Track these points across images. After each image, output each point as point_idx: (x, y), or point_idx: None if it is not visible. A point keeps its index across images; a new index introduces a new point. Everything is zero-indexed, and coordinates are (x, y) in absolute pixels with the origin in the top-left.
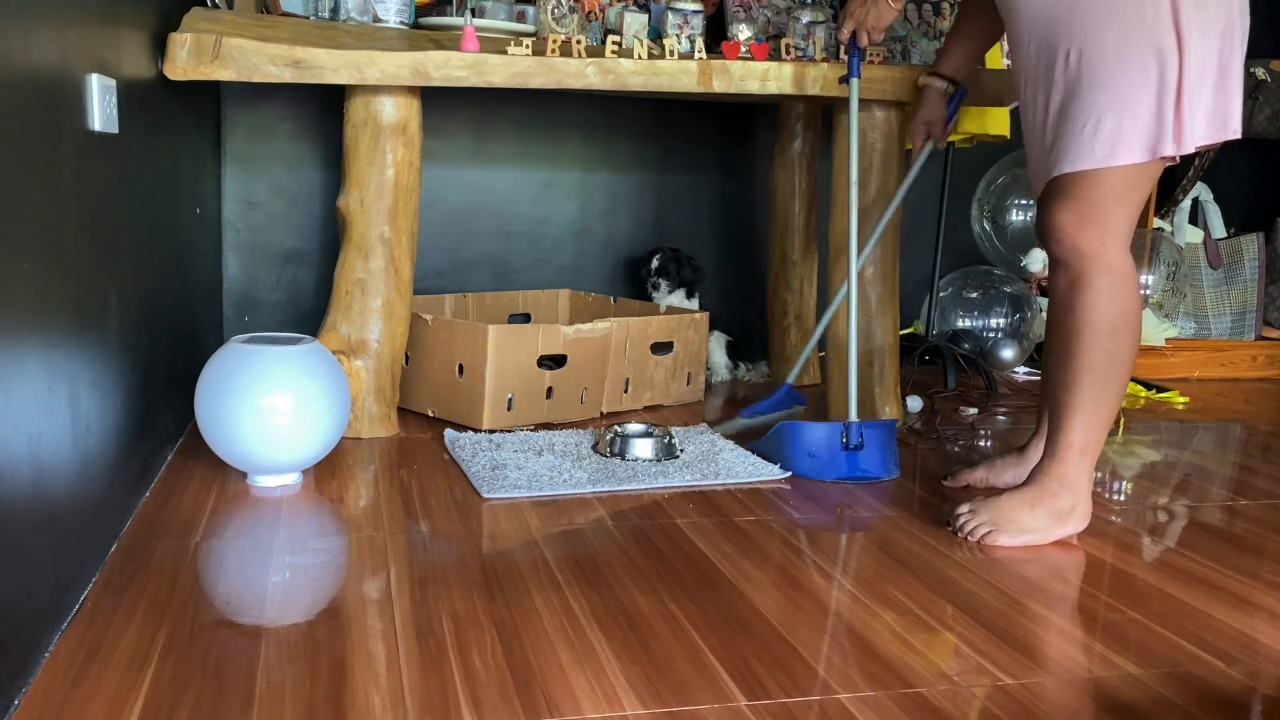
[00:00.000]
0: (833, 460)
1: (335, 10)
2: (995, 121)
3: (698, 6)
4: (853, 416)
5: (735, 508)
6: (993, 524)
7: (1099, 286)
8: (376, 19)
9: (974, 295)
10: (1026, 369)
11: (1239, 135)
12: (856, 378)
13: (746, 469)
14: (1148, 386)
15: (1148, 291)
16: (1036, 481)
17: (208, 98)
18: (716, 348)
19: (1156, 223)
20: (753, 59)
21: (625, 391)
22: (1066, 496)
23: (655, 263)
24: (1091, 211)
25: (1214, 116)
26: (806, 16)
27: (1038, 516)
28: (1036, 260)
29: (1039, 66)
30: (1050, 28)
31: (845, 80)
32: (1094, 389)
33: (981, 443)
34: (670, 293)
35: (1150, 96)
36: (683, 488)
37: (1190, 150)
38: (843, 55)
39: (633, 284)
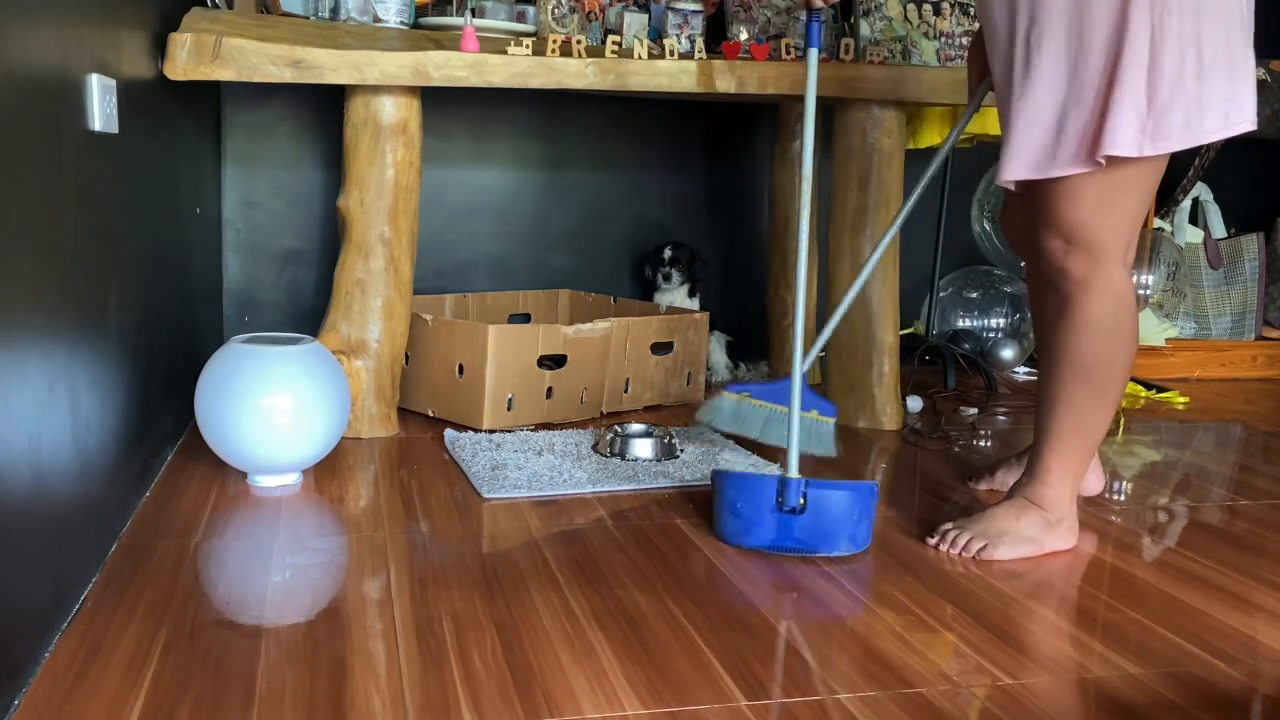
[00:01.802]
0: (758, 522)
1: (335, 10)
2: (996, 121)
3: (698, 6)
4: (792, 471)
5: None
6: (985, 537)
7: (1086, 315)
8: (376, 19)
9: (974, 295)
10: (1026, 369)
11: (1248, 128)
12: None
13: (747, 469)
14: (1148, 386)
15: (1148, 291)
16: (1017, 499)
17: (208, 98)
18: (716, 348)
19: (1156, 223)
20: (753, 59)
21: (625, 391)
22: (1052, 511)
23: (669, 252)
24: (1077, 233)
25: (1218, 105)
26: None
27: (1026, 525)
28: None
29: (1002, 49)
30: (1013, 6)
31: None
32: (1073, 419)
33: (981, 443)
34: (681, 284)
35: (1108, 91)
36: (683, 488)
37: (1177, 149)
38: (843, 55)
39: (636, 281)
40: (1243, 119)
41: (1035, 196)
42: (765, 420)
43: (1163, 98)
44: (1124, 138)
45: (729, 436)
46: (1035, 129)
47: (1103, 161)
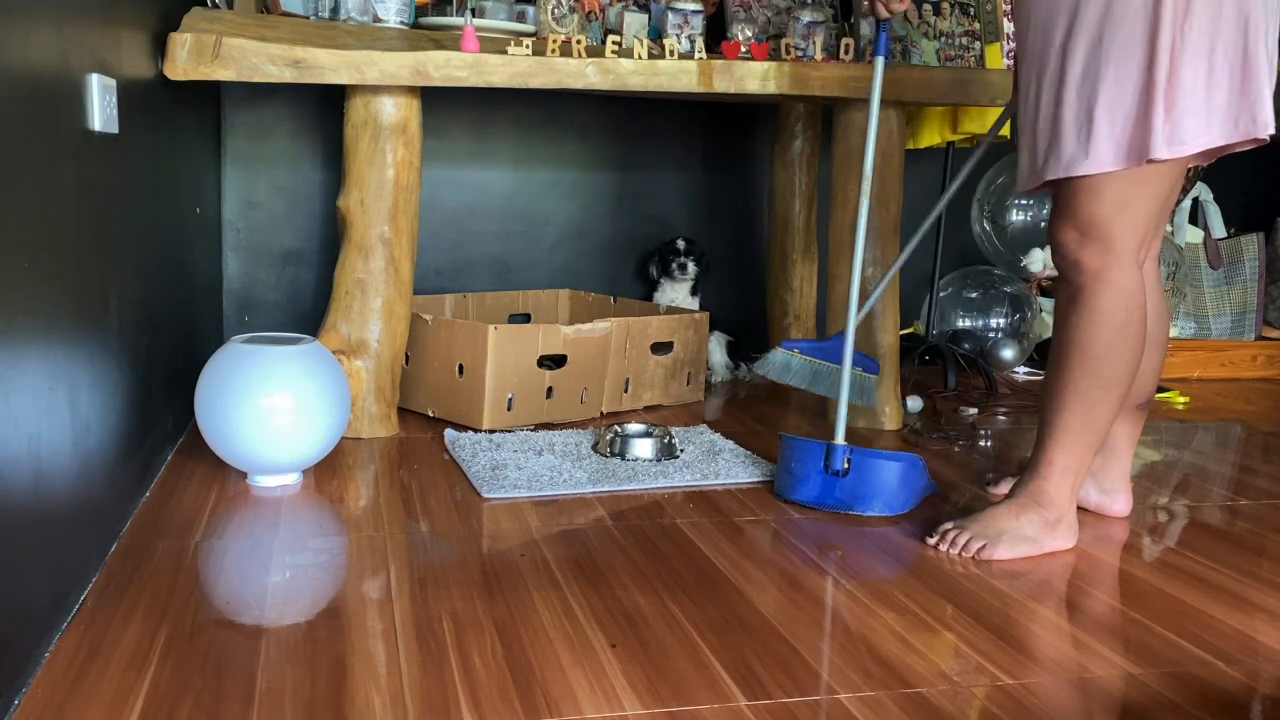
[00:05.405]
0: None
1: (335, 10)
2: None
3: (698, 6)
4: (839, 439)
5: (735, 508)
6: (984, 537)
7: (1097, 307)
8: (376, 19)
9: (974, 295)
10: (1026, 369)
11: (1270, 133)
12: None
13: (747, 469)
14: None
15: None
16: (1017, 498)
17: (208, 98)
18: (716, 348)
19: None
20: (753, 59)
21: (625, 391)
22: (1051, 510)
23: (682, 244)
24: (1093, 227)
25: (1225, 114)
26: (806, 16)
27: (1025, 525)
28: (1036, 260)
29: (1036, 49)
30: (1051, 8)
31: (873, 58)
32: (1078, 410)
33: (981, 443)
34: (693, 277)
35: (1134, 94)
36: (683, 488)
37: (1189, 153)
38: (843, 55)
39: (636, 281)
40: (1254, 127)
41: (1057, 189)
42: (813, 374)
43: (1180, 106)
44: (1152, 142)
45: (730, 437)
46: (1068, 130)
47: (1140, 163)
